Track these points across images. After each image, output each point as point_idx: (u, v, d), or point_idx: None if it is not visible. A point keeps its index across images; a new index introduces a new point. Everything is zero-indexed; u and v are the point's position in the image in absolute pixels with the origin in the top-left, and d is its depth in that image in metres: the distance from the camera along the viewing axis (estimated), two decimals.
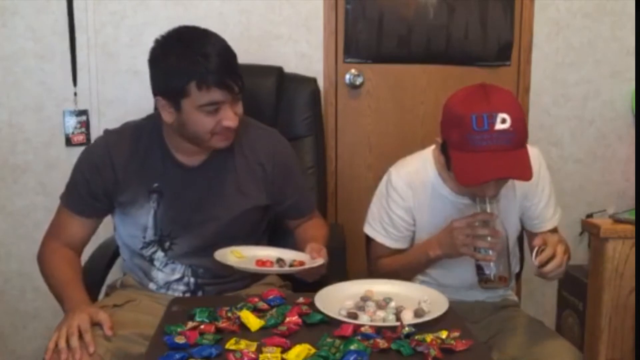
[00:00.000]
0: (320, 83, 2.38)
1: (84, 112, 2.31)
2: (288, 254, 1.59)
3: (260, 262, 1.53)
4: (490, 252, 1.48)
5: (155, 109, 1.66)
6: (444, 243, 1.54)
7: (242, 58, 2.25)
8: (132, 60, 2.31)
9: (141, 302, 1.61)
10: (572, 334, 2.43)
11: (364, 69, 2.46)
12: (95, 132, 2.27)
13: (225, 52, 1.52)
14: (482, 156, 1.45)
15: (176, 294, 1.64)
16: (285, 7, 2.36)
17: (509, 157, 1.46)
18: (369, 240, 1.76)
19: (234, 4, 2.33)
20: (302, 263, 1.52)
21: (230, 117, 1.51)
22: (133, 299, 1.62)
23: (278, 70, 2.15)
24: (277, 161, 1.68)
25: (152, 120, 1.65)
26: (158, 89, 1.53)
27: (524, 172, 1.47)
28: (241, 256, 1.58)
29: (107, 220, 1.75)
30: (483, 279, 1.51)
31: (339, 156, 2.48)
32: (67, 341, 1.35)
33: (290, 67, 2.29)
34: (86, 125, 2.32)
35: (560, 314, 2.60)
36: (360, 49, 2.44)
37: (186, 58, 1.46)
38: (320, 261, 1.49)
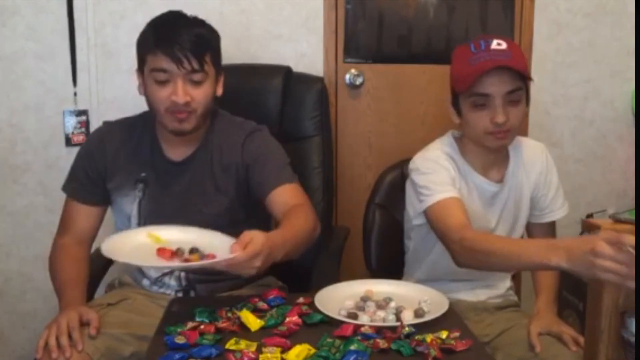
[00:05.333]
0: None
1: (84, 112, 2.31)
2: (211, 241, 1.38)
3: (161, 250, 1.35)
4: None
5: None
6: (577, 260, 1.22)
7: (242, 58, 2.27)
8: (132, 60, 2.26)
9: (135, 301, 1.62)
10: None
11: (364, 69, 2.45)
12: None
13: (191, 30, 1.56)
14: (480, 66, 1.54)
15: (168, 292, 1.65)
16: (285, 7, 2.36)
17: (507, 63, 1.54)
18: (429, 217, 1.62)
19: (234, 4, 2.33)
20: (212, 257, 1.33)
21: (177, 93, 1.53)
22: (128, 297, 1.63)
23: (285, 70, 2.15)
24: (247, 150, 1.66)
25: (148, 115, 1.70)
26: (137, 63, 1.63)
27: (521, 66, 1.56)
28: (159, 240, 1.40)
29: (107, 221, 1.76)
30: None
31: (339, 156, 2.48)
32: (57, 339, 1.37)
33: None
34: (86, 125, 2.31)
35: (560, 314, 2.59)
36: (360, 49, 2.44)
37: (152, 29, 1.59)
38: (224, 257, 1.28)
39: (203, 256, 1.34)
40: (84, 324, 1.42)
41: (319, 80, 2.18)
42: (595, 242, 1.18)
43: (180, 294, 1.65)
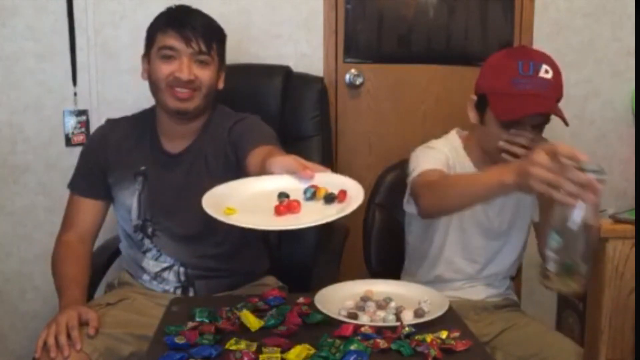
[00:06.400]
0: None
1: (83, 112, 2.31)
2: (290, 183, 1.18)
3: (279, 208, 1.12)
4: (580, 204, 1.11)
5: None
6: (520, 172, 1.22)
7: (242, 58, 2.27)
8: (132, 60, 2.30)
9: (135, 301, 1.63)
10: (572, 334, 2.43)
11: (364, 69, 2.45)
12: None
13: (199, 15, 1.63)
14: (524, 97, 1.52)
15: (167, 287, 1.66)
16: (285, 7, 2.36)
17: (550, 101, 1.53)
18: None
19: (234, 4, 2.33)
20: (344, 193, 1.14)
21: (182, 69, 1.58)
22: (127, 297, 1.64)
23: (285, 70, 2.15)
24: (238, 129, 1.66)
25: (149, 111, 1.74)
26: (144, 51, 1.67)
27: (563, 115, 1.53)
28: (235, 210, 1.15)
29: (108, 222, 1.76)
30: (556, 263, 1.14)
31: (339, 156, 2.48)
32: (56, 338, 1.37)
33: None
34: (86, 125, 2.31)
35: (560, 314, 2.60)
36: (360, 49, 2.44)
37: (165, 14, 1.64)
38: (358, 185, 1.16)
39: (332, 195, 1.14)
40: (83, 323, 1.42)
41: (319, 80, 2.18)
42: (536, 152, 1.19)
43: (179, 290, 1.66)
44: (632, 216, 1.78)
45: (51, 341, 1.37)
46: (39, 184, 2.35)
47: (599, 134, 2.60)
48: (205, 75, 1.61)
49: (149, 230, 1.67)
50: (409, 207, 1.72)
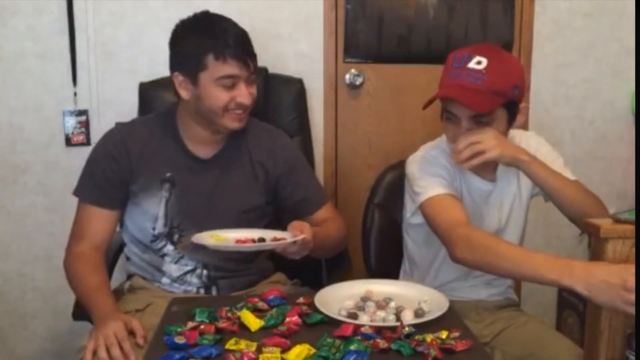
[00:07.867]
0: (320, 83, 2.39)
1: (83, 112, 2.31)
2: (270, 234, 1.54)
3: (240, 242, 1.51)
4: None
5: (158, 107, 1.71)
6: (601, 289, 1.24)
7: None
8: (132, 60, 2.31)
9: (158, 306, 1.56)
10: (572, 334, 2.43)
11: (364, 69, 2.46)
12: (95, 132, 2.26)
13: (242, 32, 1.62)
14: (445, 87, 1.53)
15: (190, 288, 1.65)
16: (285, 7, 2.36)
17: (469, 90, 1.48)
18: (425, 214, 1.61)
19: (234, 4, 2.32)
20: (277, 239, 1.50)
21: (244, 94, 1.58)
22: (150, 302, 1.61)
23: (263, 72, 2.13)
24: (279, 159, 1.71)
25: (164, 115, 1.71)
26: (178, 65, 1.61)
27: (477, 104, 1.48)
28: (220, 239, 1.53)
29: None
30: None
31: (339, 156, 2.48)
32: (108, 351, 1.33)
33: (290, 67, 2.29)
34: (86, 125, 2.31)
35: (560, 314, 2.60)
36: (360, 49, 2.44)
37: (206, 33, 1.57)
38: (300, 236, 1.45)
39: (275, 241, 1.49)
40: (128, 333, 1.38)
41: (297, 81, 2.19)
42: (628, 278, 1.20)
43: (202, 290, 1.66)
44: (632, 216, 1.78)
45: (103, 355, 1.32)
46: (38, 184, 2.35)
47: (599, 134, 2.60)
48: (255, 92, 1.63)
49: (175, 237, 1.64)
50: (415, 218, 1.69)
